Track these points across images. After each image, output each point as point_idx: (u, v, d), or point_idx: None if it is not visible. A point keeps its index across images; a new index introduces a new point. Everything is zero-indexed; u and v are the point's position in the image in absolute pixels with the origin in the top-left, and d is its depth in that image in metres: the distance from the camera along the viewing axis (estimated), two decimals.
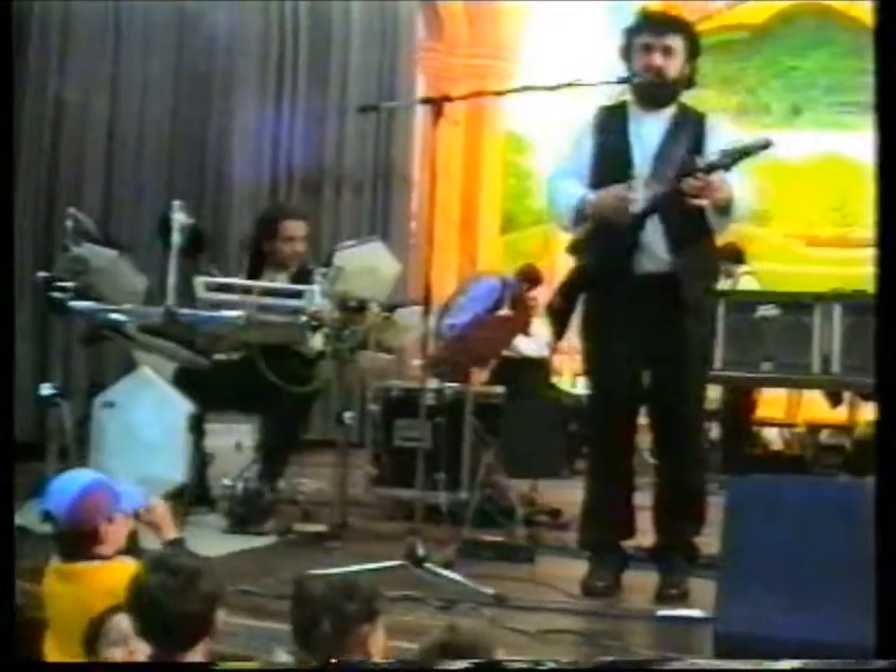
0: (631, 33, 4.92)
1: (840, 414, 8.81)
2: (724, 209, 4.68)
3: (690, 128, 4.88)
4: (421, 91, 13.02)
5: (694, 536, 4.85)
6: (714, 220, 4.80)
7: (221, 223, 9.80)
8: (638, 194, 4.67)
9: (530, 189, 14.25)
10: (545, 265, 13.55)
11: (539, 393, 9.49)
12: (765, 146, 4.56)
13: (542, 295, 7.37)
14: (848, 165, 11.28)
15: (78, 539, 3.48)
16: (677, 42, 4.83)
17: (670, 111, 4.90)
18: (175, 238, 5.75)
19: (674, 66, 4.82)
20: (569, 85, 5.04)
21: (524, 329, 8.13)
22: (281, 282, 6.42)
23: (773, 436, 10.23)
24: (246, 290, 5.87)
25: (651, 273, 4.75)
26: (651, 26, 4.91)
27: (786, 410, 9.61)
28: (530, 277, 9.75)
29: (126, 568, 3.22)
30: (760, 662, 2.60)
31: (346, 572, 4.31)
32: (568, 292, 4.97)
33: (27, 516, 5.52)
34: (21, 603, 3.69)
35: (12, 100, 3.16)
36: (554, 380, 10.86)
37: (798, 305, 6.97)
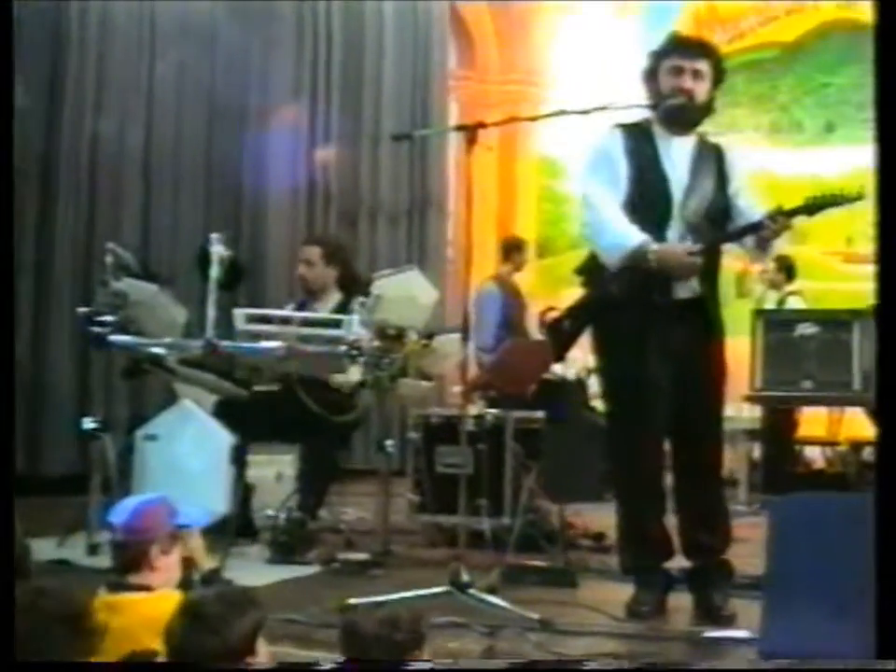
0: (659, 55, 4.92)
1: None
2: (770, 245, 4.74)
3: (712, 159, 4.91)
4: (454, 118, 13.07)
5: (723, 553, 4.84)
6: (754, 254, 4.91)
7: (259, 255, 9.86)
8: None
9: (566, 214, 14.25)
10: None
11: (579, 416, 9.47)
12: (858, 198, 4.56)
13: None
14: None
15: (130, 555, 3.49)
16: (705, 66, 4.84)
17: (693, 138, 4.92)
18: (214, 270, 5.79)
19: (702, 90, 4.84)
20: (602, 109, 5.03)
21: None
22: (319, 311, 6.46)
23: (815, 454, 10.18)
24: (286, 321, 5.89)
25: (683, 298, 4.78)
26: (682, 49, 4.91)
27: (827, 428, 9.55)
28: (515, 246, 9.80)
29: (168, 599, 3.24)
30: (760, 662, 2.59)
31: (391, 600, 4.33)
32: (579, 316, 4.98)
33: (72, 550, 5.59)
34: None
35: (12, 100, 3.18)
36: (594, 403, 10.85)
37: (837, 322, 6.95)
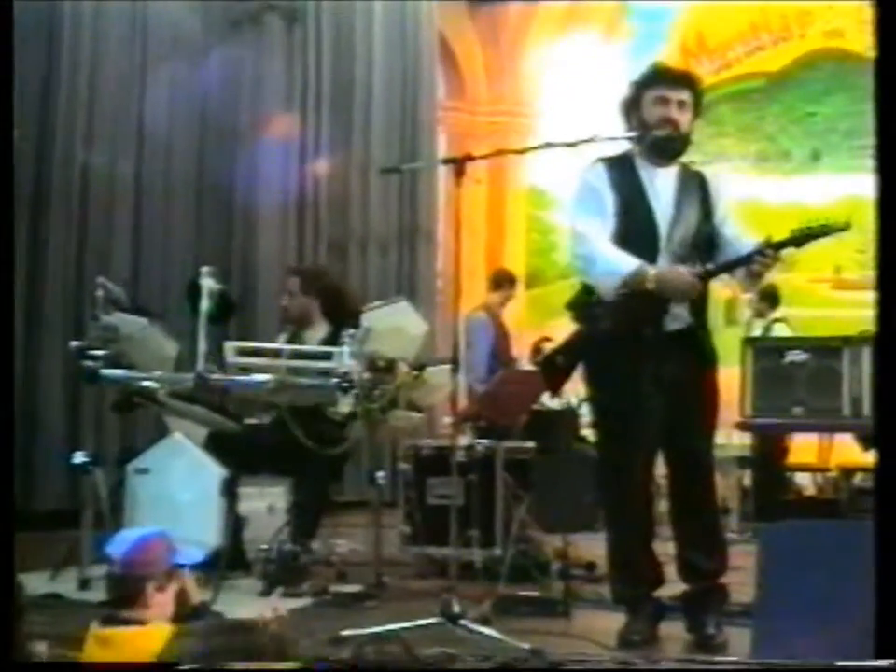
0: (643, 85, 4.94)
1: (873, 457, 8.75)
2: (761, 276, 4.76)
3: (695, 188, 4.93)
4: (443, 148, 13.11)
5: (719, 577, 4.85)
6: (745, 284, 4.94)
7: (249, 287, 9.87)
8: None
9: (554, 244, 14.29)
10: (571, 321, 13.59)
11: (569, 447, 9.48)
12: (844, 228, 4.59)
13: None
14: (871, 208, 11.21)
15: (126, 590, 3.49)
16: (688, 97, 4.87)
17: (675, 168, 4.94)
18: (204, 304, 5.80)
19: (685, 120, 4.87)
20: (589, 140, 5.06)
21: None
22: (308, 341, 6.48)
23: (806, 481, 10.19)
24: (276, 353, 5.91)
25: (674, 330, 4.80)
26: (667, 79, 4.94)
27: (818, 454, 9.57)
28: (507, 279, 9.83)
29: (160, 633, 3.24)
30: (760, 661, 2.59)
31: (383, 631, 4.34)
32: (572, 352, 5.00)
33: (64, 584, 5.58)
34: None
35: (12, 101, 3.19)
36: (584, 433, 10.86)
37: (826, 349, 6.94)
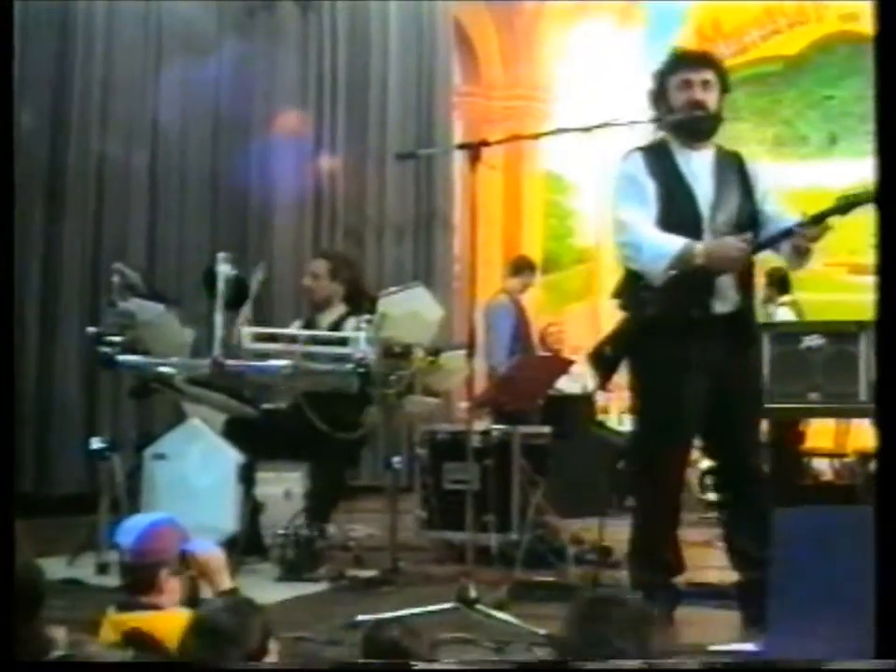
0: (665, 73, 4.94)
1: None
2: (808, 252, 4.74)
3: (733, 168, 4.93)
4: (459, 134, 13.11)
5: None
6: (793, 262, 4.90)
7: (265, 273, 9.87)
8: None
9: (571, 229, 14.29)
10: (587, 304, 13.62)
11: (586, 431, 9.50)
12: None
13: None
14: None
15: (139, 578, 3.50)
16: (712, 76, 4.87)
17: (711, 150, 4.93)
18: (221, 290, 5.81)
19: (712, 99, 4.86)
20: (604, 125, 5.06)
21: (567, 368, 8.15)
22: (323, 324, 6.50)
23: (823, 466, 10.17)
24: (293, 339, 5.92)
25: (722, 313, 4.78)
26: (688, 62, 4.95)
27: (835, 440, 9.56)
28: (527, 266, 9.84)
29: (178, 618, 3.25)
30: (759, 660, 2.60)
31: (400, 616, 4.34)
32: (620, 341, 4.98)
33: (82, 569, 5.60)
34: (74, 654, 3.72)
35: (12, 100, 3.20)
36: (601, 418, 10.88)
37: (843, 334, 6.95)
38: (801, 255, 4.77)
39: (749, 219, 4.85)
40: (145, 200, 9.00)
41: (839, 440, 9.56)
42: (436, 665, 2.61)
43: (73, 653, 3.42)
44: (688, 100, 4.84)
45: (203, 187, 9.55)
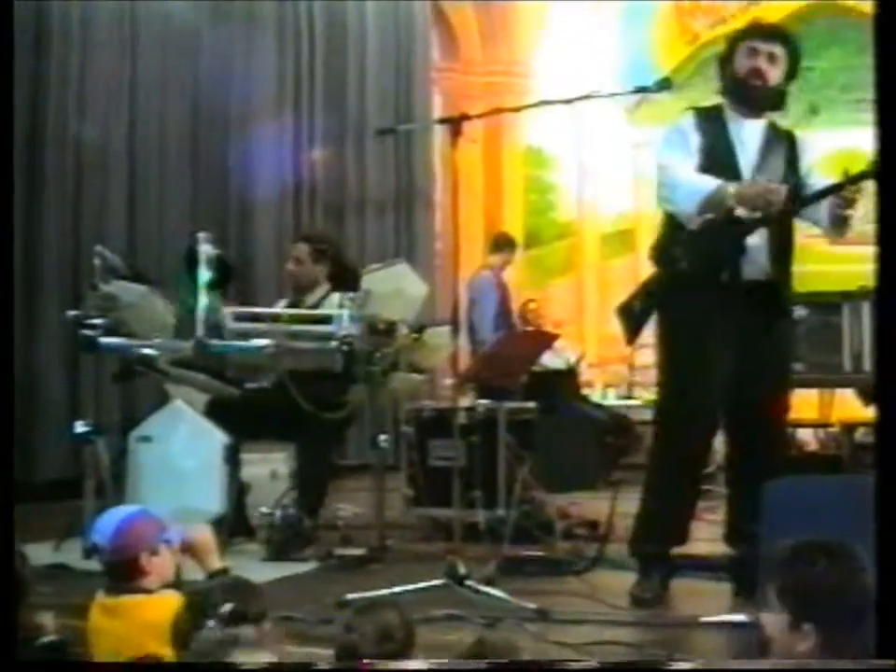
0: (737, 39, 4.95)
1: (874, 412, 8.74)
2: (847, 221, 4.72)
3: (783, 143, 4.92)
4: (438, 111, 13.07)
5: None
6: (832, 232, 4.87)
7: (246, 252, 9.84)
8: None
9: (552, 204, 14.28)
10: (570, 279, 13.62)
11: (571, 406, 9.50)
12: None
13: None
14: (868, 162, 11.13)
15: (122, 570, 3.50)
16: (780, 51, 4.86)
17: (764, 122, 4.93)
18: (202, 270, 5.78)
19: (775, 74, 4.85)
20: (585, 97, 5.04)
21: (551, 342, 8.15)
22: (307, 303, 6.47)
23: (807, 437, 10.19)
24: (275, 318, 5.90)
25: (752, 280, 4.75)
26: (759, 32, 4.95)
27: (819, 410, 9.56)
28: (507, 243, 9.87)
29: (169, 601, 3.24)
30: (760, 661, 2.59)
31: (388, 594, 4.34)
32: (650, 296, 4.95)
33: (67, 554, 5.58)
34: (63, 639, 3.71)
35: (12, 100, 3.18)
36: (585, 392, 10.89)
37: (826, 305, 6.96)
38: (838, 223, 4.73)
39: (792, 191, 4.78)
40: (124, 181, 8.94)
41: (823, 410, 9.56)
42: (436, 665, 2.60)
43: (62, 638, 3.42)
44: (750, 68, 4.83)
45: (182, 167, 9.50)
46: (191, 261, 5.84)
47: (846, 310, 6.82)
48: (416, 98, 12.14)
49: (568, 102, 5.07)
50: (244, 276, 9.02)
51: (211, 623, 2.66)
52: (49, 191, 8.31)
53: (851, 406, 8.94)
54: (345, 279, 6.39)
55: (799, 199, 4.76)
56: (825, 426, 9.78)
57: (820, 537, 2.92)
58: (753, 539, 4.69)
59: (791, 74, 4.92)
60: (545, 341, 8.16)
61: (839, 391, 8.77)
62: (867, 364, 6.66)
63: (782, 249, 4.84)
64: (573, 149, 14.23)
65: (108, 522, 3.58)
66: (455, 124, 5.03)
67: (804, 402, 9.55)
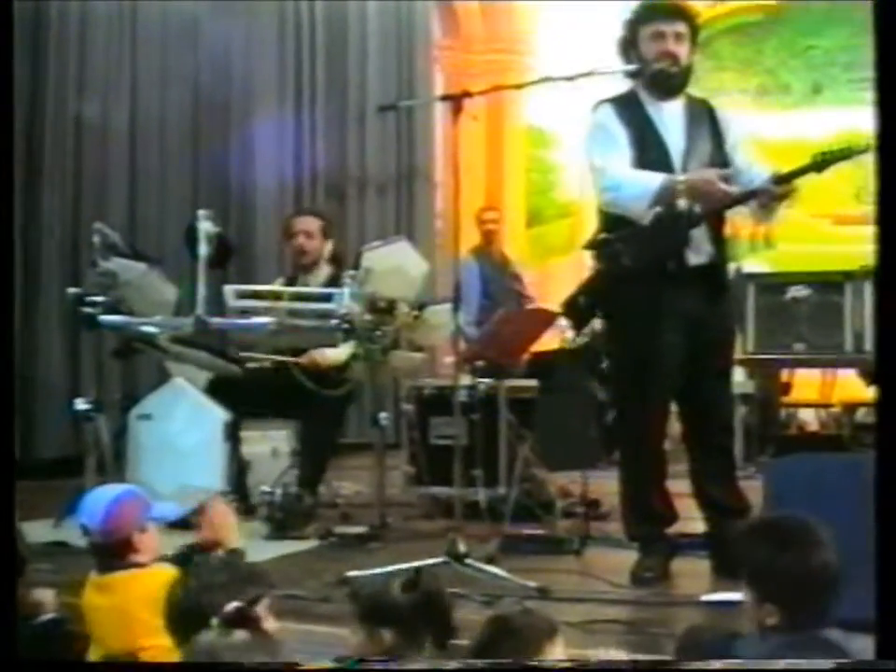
0: (637, 23, 4.90)
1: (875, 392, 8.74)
2: (774, 209, 4.74)
3: (704, 119, 4.91)
4: (439, 88, 13.04)
5: (743, 515, 4.79)
6: (760, 217, 4.90)
7: (247, 231, 9.83)
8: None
9: (553, 183, 14.23)
10: (571, 258, 13.59)
11: (573, 385, 9.47)
12: (866, 150, 4.49)
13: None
14: (871, 141, 11.09)
15: (112, 550, 3.51)
16: (685, 29, 4.84)
17: (681, 101, 4.91)
18: (203, 247, 5.76)
19: (684, 53, 4.84)
20: (587, 75, 5.01)
21: (554, 320, 8.12)
22: (310, 284, 6.46)
23: (809, 417, 10.20)
24: (276, 296, 5.88)
25: (697, 265, 4.77)
26: (661, 14, 4.89)
27: (820, 390, 9.57)
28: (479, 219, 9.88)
29: (162, 574, 3.25)
30: (760, 662, 2.60)
31: (389, 571, 4.34)
32: (594, 292, 4.97)
33: (67, 531, 5.57)
34: (63, 616, 3.72)
35: (12, 99, 3.16)
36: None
37: (828, 284, 6.96)
38: (767, 211, 4.78)
39: (721, 169, 4.79)
40: (125, 158, 8.92)
41: (825, 390, 9.57)
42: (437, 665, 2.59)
43: (62, 616, 3.42)
44: (659, 51, 4.81)
45: (183, 145, 9.48)
46: (191, 239, 5.83)
47: (847, 289, 6.81)
48: (417, 76, 12.11)
49: (570, 79, 5.05)
50: (244, 254, 9.01)
51: (214, 621, 2.65)
52: (48, 168, 8.28)
53: (853, 386, 8.94)
54: (344, 262, 6.39)
55: (742, 193, 4.74)
56: (826, 406, 9.79)
57: (781, 514, 2.95)
58: (732, 513, 4.76)
59: (694, 44, 4.90)
60: (546, 319, 8.13)
61: (840, 371, 8.77)
62: (869, 344, 6.65)
63: (718, 232, 4.86)
64: (574, 129, 14.19)
65: (96, 503, 3.58)
66: (456, 101, 5.01)
67: (805, 382, 9.57)
